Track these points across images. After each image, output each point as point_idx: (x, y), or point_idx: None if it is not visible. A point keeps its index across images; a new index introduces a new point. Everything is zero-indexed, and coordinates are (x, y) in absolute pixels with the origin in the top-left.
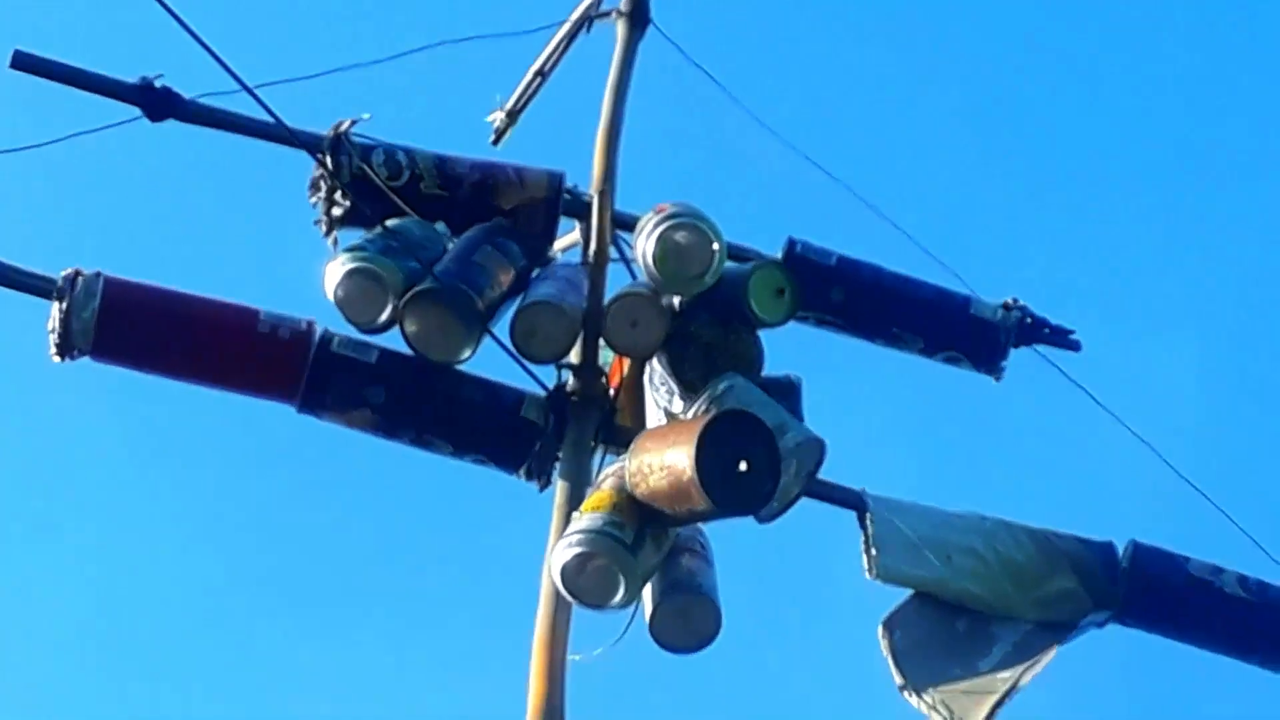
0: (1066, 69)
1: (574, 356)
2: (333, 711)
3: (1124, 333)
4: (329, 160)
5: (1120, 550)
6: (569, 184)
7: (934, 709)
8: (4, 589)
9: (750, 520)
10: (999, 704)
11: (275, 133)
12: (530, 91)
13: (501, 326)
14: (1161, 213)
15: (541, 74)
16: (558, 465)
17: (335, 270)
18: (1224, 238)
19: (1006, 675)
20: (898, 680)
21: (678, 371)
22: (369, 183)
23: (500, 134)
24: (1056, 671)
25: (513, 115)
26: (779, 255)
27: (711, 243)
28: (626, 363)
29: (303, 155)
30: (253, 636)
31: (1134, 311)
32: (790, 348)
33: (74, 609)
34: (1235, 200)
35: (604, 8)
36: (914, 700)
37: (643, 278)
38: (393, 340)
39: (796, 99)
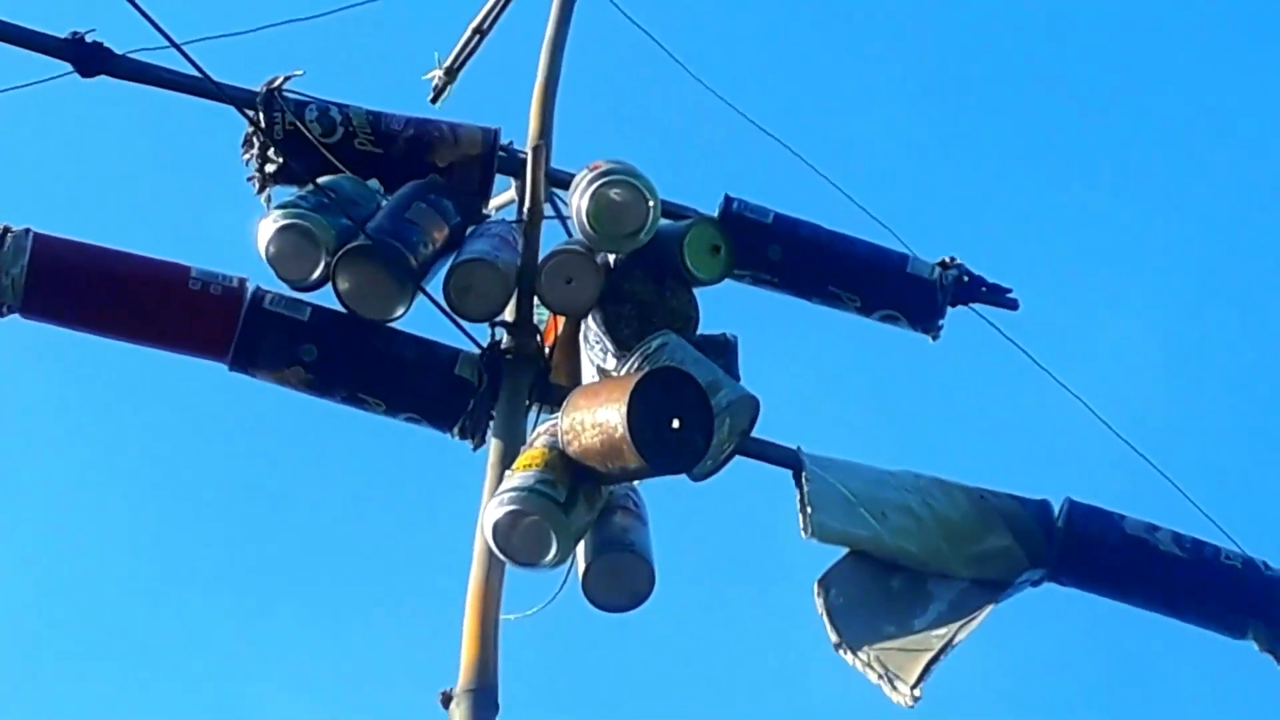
0: (1021, 25)
1: (508, 314)
2: (264, 670)
3: (1065, 295)
4: (262, 116)
5: (1056, 508)
6: (504, 140)
7: (869, 666)
8: None
9: (684, 478)
10: (933, 661)
11: (207, 89)
12: (469, 49)
13: (435, 284)
14: (1108, 177)
15: (480, 31)
16: (491, 424)
17: (267, 227)
18: (1171, 202)
19: (942, 632)
20: (833, 638)
21: (612, 329)
22: (302, 139)
23: (439, 92)
24: (991, 629)
25: (451, 73)
26: (715, 213)
27: (646, 200)
28: (561, 320)
29: (236, 112)
30: (180, 598)
31: (1077, 275)
32: (727, 306)
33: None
34: (1182, 168)
35: None
36: (849, 658)
37: (577, 235)
38: (325, 298)
39: (735, 57)
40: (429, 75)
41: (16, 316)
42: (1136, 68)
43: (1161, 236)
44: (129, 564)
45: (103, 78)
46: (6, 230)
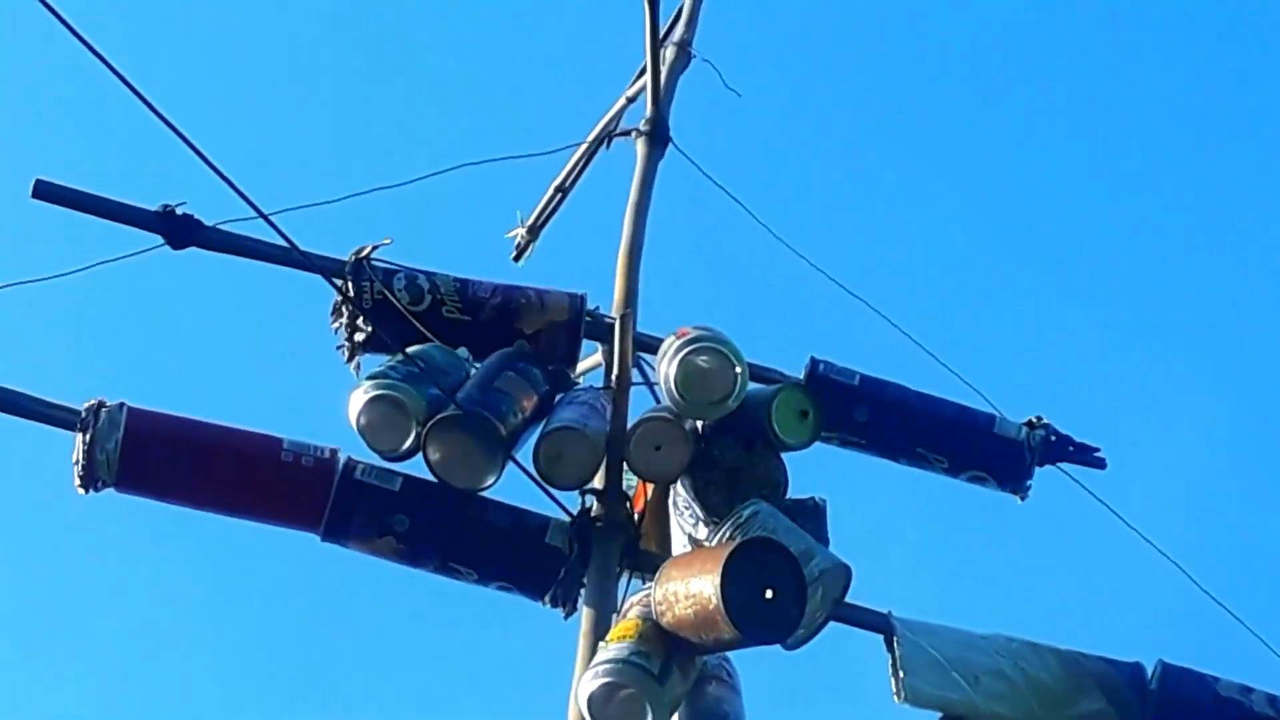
0: (1089, 184)
1: (598, 482)
2: None
3: (1151, 443)
4: (350, 286)
5: (1148, 670)
6: (590, 306)
7: None
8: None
9: (778, 647)
10: None
11: (295, 259)
12: (551, 208)
13: (525, 452)
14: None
15: (562, 190)
16: (582, 592)
17: (358, 398)
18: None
19: None
20: None
21: (702, 496)
22: (391, 308)
23: (521, 250)
24: None
25: (534, 231)
26: (802, 376)
27: (734, 366)
28: (650, 487)
29: (324, 281)
30: None
31: (1159, 422)
32: (814, 469)
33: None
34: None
35: (624, 126)
36: None
37: (666, 402)
38: (416, 467)
39: (818, 217)
40: (512, 234)
41: (112, 490)
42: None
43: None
44: None
45: (193, 250)
46: (101, 405)
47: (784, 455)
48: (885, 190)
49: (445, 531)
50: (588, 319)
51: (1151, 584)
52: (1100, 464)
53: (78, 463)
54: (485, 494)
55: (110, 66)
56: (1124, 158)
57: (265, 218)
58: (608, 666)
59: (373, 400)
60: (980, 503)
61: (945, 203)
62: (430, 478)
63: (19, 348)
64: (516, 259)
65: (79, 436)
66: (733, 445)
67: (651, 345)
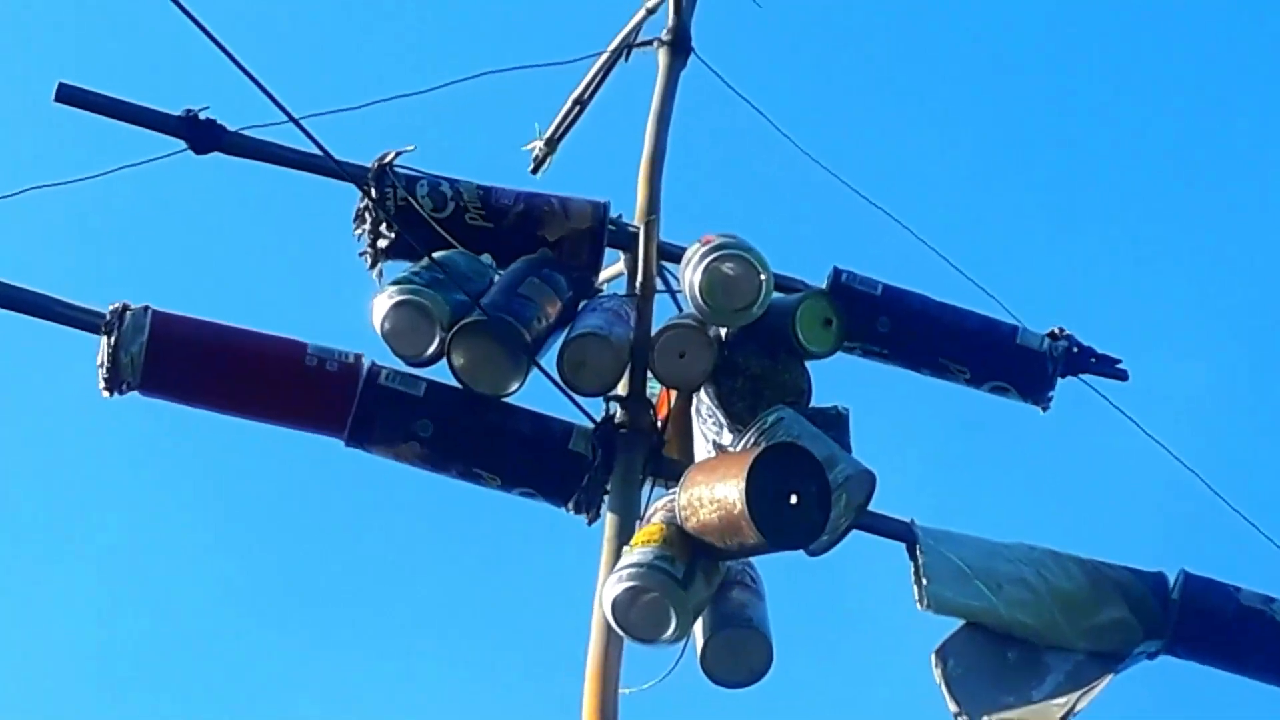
0: (1115, 101)
1: (621, 388)
2: None
3: (1170, 355)
4: (374, 192)
5: (1171, 580)
6: (613, 214)
7: None
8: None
9: (801, 553)
10: None
11: (320, 164)
12: (569, 120)
13: (549, 358)
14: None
15: (580, 102)
16: (606, 498)
17: (382, 303)
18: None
19: (1061, 702)
20: (952, 709)
21: (726, 403)
22: (414, 214)
23: (539, 162)
24: (1107, 700)
25: (552, 144)
26: (825, 285)
27: (759, 274)
28: (674, 394)
29: (348, 187)
30: (299, 668)
31: (1179, 333)
32: (837, 378)
33: (92, 621)
34: None
35: (644, 36)
36: None
37: (689, 309)
38: (440, 373)
39: (841, 126)
40: (529, 146)
41: (136, 393)
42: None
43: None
44: (243, 646)
45: (216, 155)
46: (125, 308)
47: (807, 363)
48: (908, 100)
49: (469, 437)
50: (611, 227)
51: (1171, 495)
52: (1122, 375)
53: (102, 365)
54: (509, 400)
55: None
56: (1152, 74)
57: (296, 122)
58: (632, 571)
59: (397, 305)
60: (1001, 413)
61: (969, 115)
62: (454, 383)
63: (43, 251)
64: (534, 171)
65: (104, 339)
66: (757, 353)
67: (675, 253)
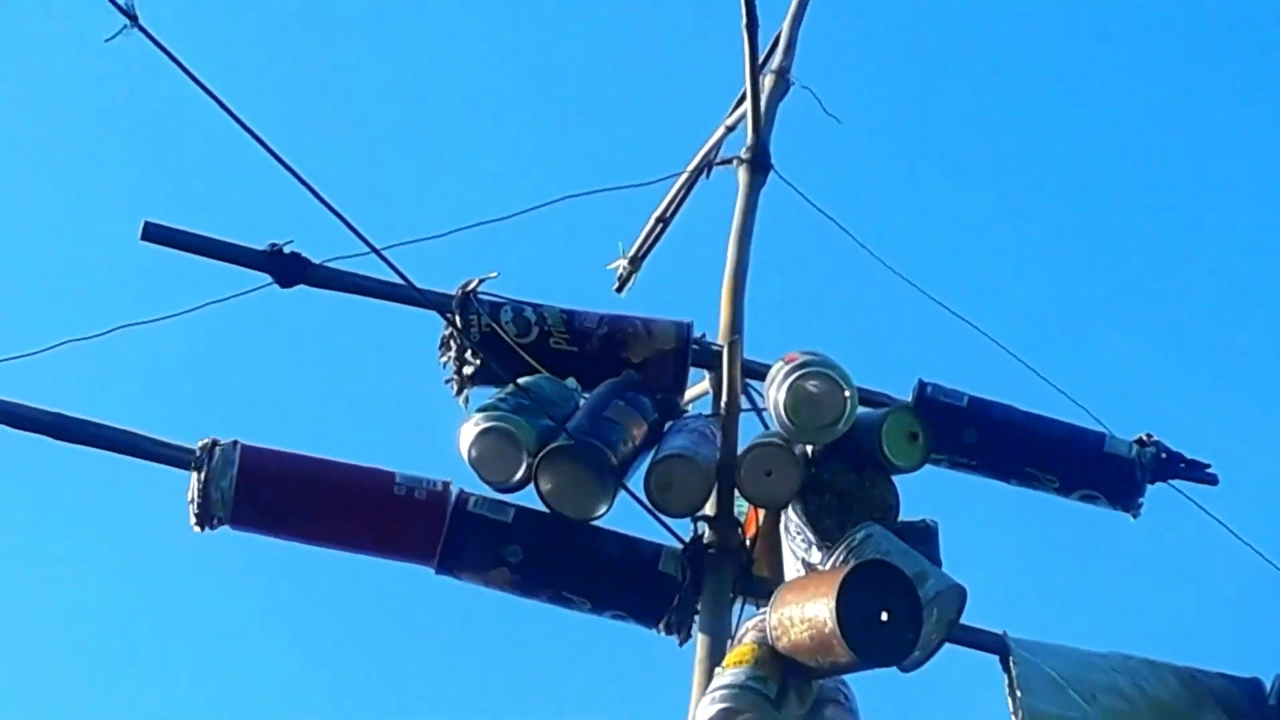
0: (1194, 207)
1: (709, 508)
2: None
3: (1255, 460)
4: (458, 319)
5: (1267, 685)
6: (697, 334)
7: None
8: None
9: (894, 669)
10: None
11: (404, 294)
12: (653, 238)
13: (636, 481)
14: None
15: (663, 220)
16: (697, 619)
17: (469, 430)
18: None
19: None
20: None
21: (814, 521)
22: (498, 340)
23: (624, 281)
24: None
25: (635, 262)
26: (910, 399)
27: (843, 390)
28: (761, 513)
29: (432, 315)
30: None
31: (1260, 439)
32: (925, 489)
33: None
34: None
35: (724, 155)
36: None
37: (775, 427)
38: (528, 498)
39: (921, 241)
40: (613, 265)
41: (227, 528)
42: None
43: None
44: None
45: (301, 288)
46: (215, 444)
47: (895, 478)
48: (986, 212)
49: (558, 561)
50: (695, 346)
51: (1266, 598)
52: (1212, 480)
53: (193, 501)
54: (597, 523)
55: (220, 103)
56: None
57: (379, 252)
58: (725, 692)
59: (484, 432)
60: (1092, 520)
61: (1047, 225)
62: (542, 508)
63: (132, 389)
64: (619, 290)
65: (194, 475)
66: (844, 469)
67: (759, 371)
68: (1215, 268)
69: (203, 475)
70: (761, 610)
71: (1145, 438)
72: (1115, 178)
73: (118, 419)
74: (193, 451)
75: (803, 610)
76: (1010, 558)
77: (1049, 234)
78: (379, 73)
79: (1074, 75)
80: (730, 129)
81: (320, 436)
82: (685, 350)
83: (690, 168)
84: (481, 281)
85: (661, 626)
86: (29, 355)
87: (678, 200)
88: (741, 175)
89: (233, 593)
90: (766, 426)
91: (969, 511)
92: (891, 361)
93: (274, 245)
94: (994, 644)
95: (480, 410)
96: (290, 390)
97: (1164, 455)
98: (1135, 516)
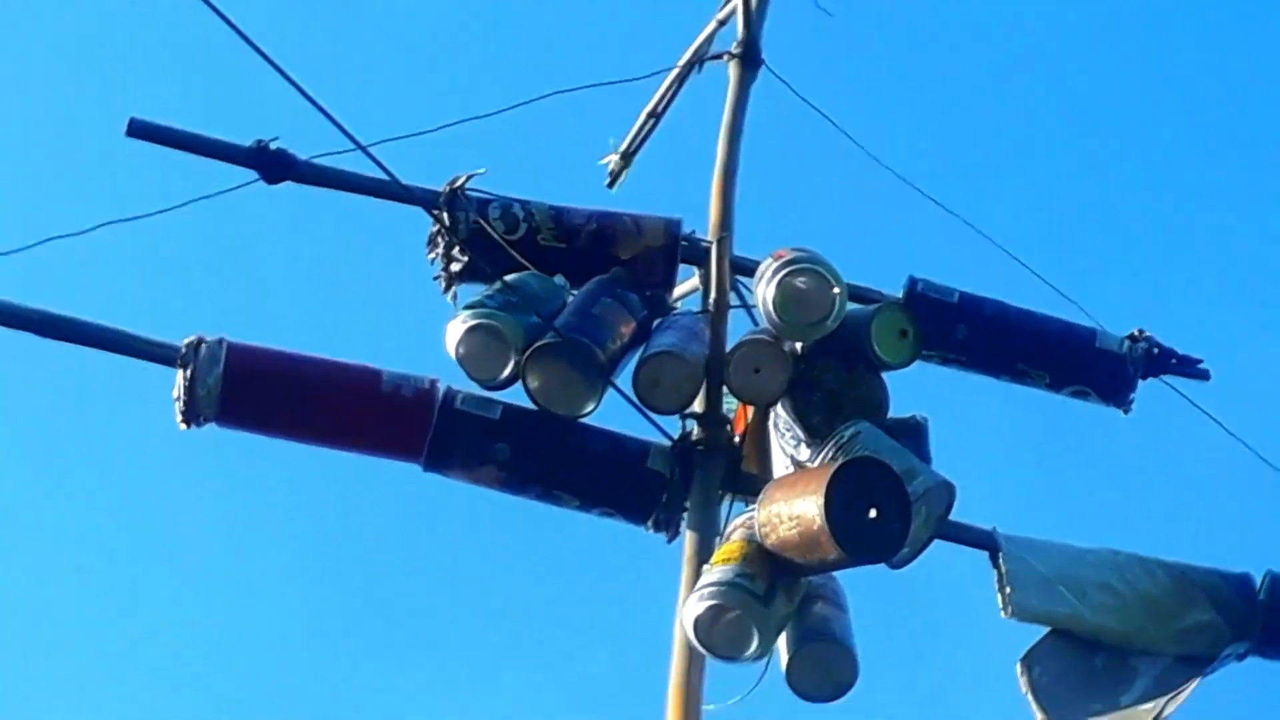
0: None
1: (698, 405)
2: None
3: (1248, 358)
4: (446, 216)
5: (1257, 581)
6: (686, 230)
7: None
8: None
9: (883, 566)
10: None
11: (391, 190)
12: (643, 133)
13: (624, 378)
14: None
15: (654, 115)
16: (685, 516)
17: (456, 328)
18: None
19: (1149, 707)
20: (1039, 717)
21: (803, 417)
22: (486, 237)
23: (615, 177)
24: (1197, 704)
25: (626, 157)
26: (900, 295)
27: (832, 287)
28: (750, 410)
29: (419, 212)
30: (372, 691)
31: (1254, 337)
32: (914, 387)
33: (169, 656)
34: None
35: (715, 50)
36: None
37: (764, 324)
38: (516, 395)
39: (912, 135)
40: (605, 160)
41: (213, 425)
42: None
43: None
44: (324, 673)
45: (288, 184)
46: (201, 341)
47: (884, 374)
48: (978, 105)
49: (546, 459)
50: (684, 243)
51: (1257, 494)
52: (1204, 375)
53: (179, 398)
54: (585, 420)
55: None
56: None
57: (364, 149)
58: (713, 589)
59: (471, 329)
60: (1082, 416)
61: (1039, 118)
62: (530, 405)
63: (118, 286)
64: (610, 185)
65: (180, 372)
66: (833, 366)
67: (748, 268)
68: (1209, 167)
69: (189, 372)
70: (750, 507)
71: (1137, 333)
72: (1111, 75)
73: (104, 316)
74: (179, 349)
75: (791, 507)
76: (1000, 454)
77: (1044, 132)
78: None
79: None
80: (722, 23)
81: (307, 334)
82: (674, 247)
83: (681, 62)
84: (470, 178)
85: (650, 524)
86: (14, 252)
87: (669, 95)
88: (732, 70)
89: (220, 493)
90: (755, 323)
91: (959, 408)
92: (883, 258)
93: (260, 142)
94: (983, 540)
95: (467, 307)
96: (277, 288)
97: (1155, 351)
98: (1126, 412)
